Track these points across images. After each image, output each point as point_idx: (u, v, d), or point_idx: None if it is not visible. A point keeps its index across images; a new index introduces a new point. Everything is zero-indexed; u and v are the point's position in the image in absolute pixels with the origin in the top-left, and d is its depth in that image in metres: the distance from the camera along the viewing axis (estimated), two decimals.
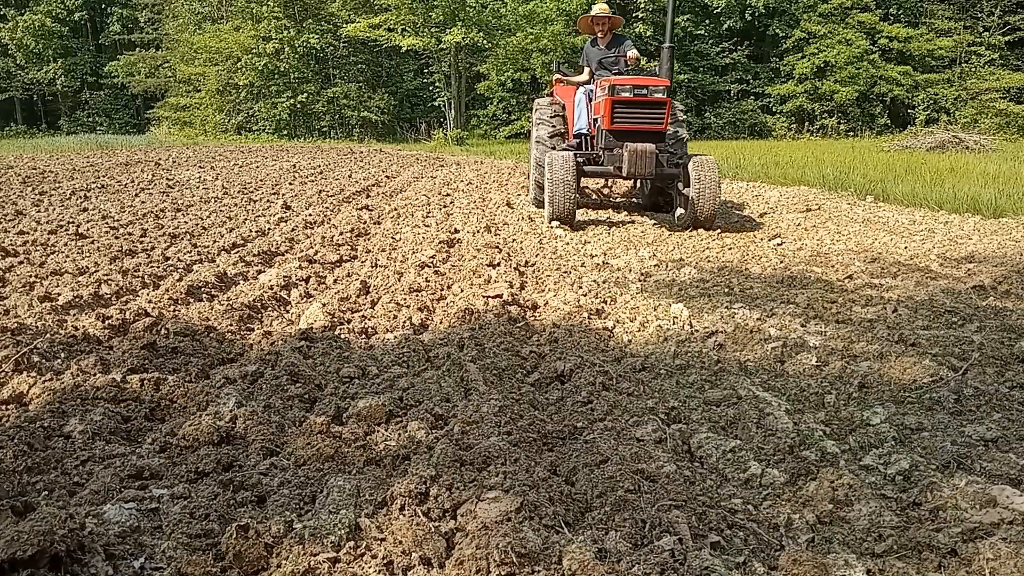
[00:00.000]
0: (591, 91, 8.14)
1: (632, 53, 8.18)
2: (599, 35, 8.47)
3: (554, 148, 8.16)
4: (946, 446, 2.35)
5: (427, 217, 8.06)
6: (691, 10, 33.30)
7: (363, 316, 4.07)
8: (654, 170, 7.08)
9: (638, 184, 9.43)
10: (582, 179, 8.12)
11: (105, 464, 2.13)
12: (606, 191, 10.59)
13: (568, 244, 6.46)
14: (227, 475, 2.10)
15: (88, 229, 6.73)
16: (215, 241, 6.31)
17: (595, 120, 7.85)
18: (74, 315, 3.79)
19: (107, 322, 3.60)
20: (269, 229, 7.10)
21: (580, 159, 7.57)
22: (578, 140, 8.34)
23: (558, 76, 9.08)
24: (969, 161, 13.79)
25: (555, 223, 7.38)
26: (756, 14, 32.98)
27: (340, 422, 2.56)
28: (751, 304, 4.20)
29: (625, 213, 8.80)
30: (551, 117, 8.58)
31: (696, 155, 7.30)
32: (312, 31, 33.66)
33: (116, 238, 6.28)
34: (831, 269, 5.26)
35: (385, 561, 1.69)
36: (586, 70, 8.53)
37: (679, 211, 7.57)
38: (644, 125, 7.18)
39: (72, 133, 36.41)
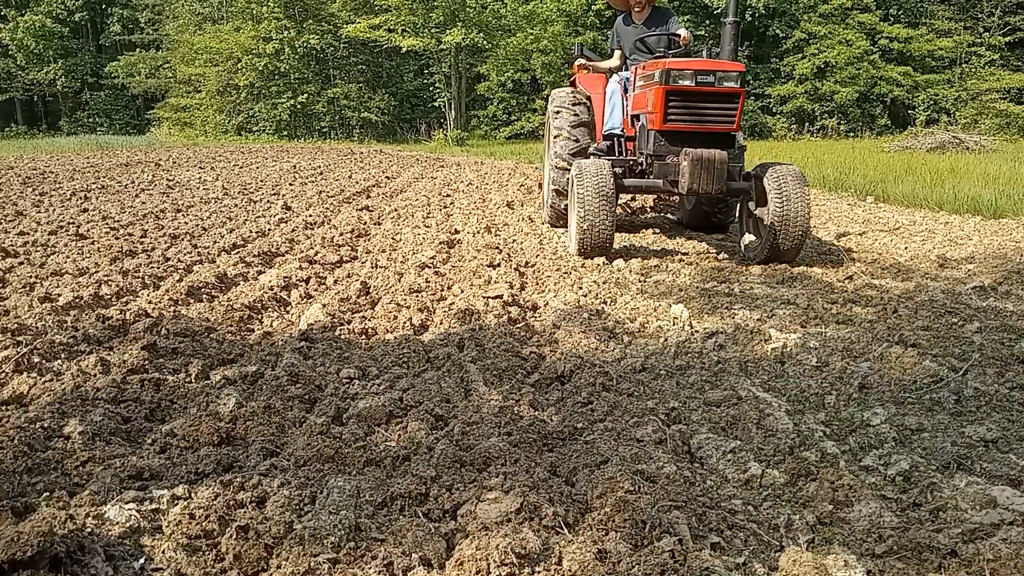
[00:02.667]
0: (627, 80, 6.44)
1: (684, 33, 6.34)
2: (635, 9, 6.69)
3: (578, 141, 6.59)
4: (946, 447, 2.35)
5: (427, 218, 8.05)
6: (691, 10, 33.31)
7: (363, 317, 4.07)
8: (724, 184, 5.30)
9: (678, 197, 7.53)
10: (620, 196, 6.28)
11: (105, 464, 2.13)
12: (633, 203, 8.94)
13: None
14: (227, 475, 2.10)
15: (88, 230, 6.73)
16: (215, 242, 6.31)
17: (634, 117, 6.18)
18: (74, 315, 3.79)
19: (107, 323, 3.61)
20: (269, 230, 7.10)
21: (618, 169, 5.81)
22: (608, 143, 6.54)
23: (582, 61, 7.26)
24: (969, 162, 13.78)
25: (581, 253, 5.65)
26: (756, 15, 33.00)
27: (340, 423, 2.57)
28: (751, 304, 4.20)
29: (665, 235, 7.08)
30: (573, 105, 6.83)
31: (773, 163, 5.55)
32: (312, 32, 33.66)
33: (116, 239, 6.28)
34: (831, 269, 5.26)
35: (385, 562, 1.69)
36: (617, 53, 6.83)
37: (748, 237, 5.73)
38: (710, 125, 5.43)
39: (72, 134, 36.44)
